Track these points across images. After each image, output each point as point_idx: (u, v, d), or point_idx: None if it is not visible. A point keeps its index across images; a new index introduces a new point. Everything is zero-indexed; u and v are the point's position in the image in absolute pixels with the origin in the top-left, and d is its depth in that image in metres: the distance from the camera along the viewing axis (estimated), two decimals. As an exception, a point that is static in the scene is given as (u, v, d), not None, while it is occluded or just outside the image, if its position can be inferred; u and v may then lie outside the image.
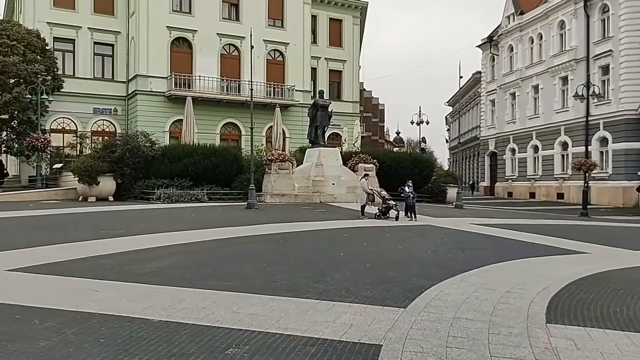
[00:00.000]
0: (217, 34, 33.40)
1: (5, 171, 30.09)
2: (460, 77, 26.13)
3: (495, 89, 41.89)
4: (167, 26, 31.91)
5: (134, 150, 22.81)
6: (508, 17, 40.33)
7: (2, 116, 26.00)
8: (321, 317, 5.32)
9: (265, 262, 8.48)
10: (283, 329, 4.89)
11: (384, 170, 24.70)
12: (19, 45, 25.78)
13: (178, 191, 21.60)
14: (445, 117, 67.80)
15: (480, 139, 45.60)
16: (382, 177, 23.54)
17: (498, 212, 23.64)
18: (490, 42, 42.54)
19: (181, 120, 28.47)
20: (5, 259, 8.07)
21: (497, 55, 41.88)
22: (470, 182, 48.34)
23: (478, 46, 44.66)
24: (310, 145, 25.14)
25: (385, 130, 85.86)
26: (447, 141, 66.45)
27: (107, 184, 22.18)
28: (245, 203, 19.45)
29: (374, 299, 6.18)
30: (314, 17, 38.07)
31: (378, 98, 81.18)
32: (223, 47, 33.89)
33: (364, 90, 60.55)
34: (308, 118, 25.32)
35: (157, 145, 24.03)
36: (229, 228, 12.95)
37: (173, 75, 31.62)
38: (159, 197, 21.07)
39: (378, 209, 16.68)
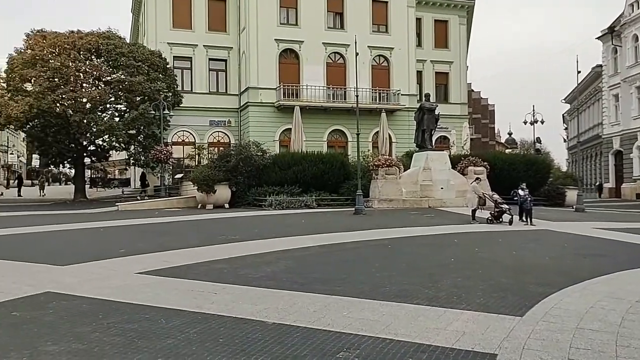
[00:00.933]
0: (323, 43, 34.04)
1: (146, 182, 33.01)
2: (579, 72, 24.58)
3: (619, 83, 38.73)
4: (275, 39, 33.05)
5: (246, 159, 23.84)
6: (632, 4, 37.19)
7: (130, 131, 28.31)
8: (432, 323, 5.23)
9: (373, 268, 8.50)
10: (393, 334, 4.87)
11: (495, 173, 23.75)
12: (144, 65, 27.97)
13: (288, 198, 22.24)
14: (563, 115, 63.74)
15: (603, 137, 42.37)
16: (493, 180, 22.64)
17: (625, 215, 21.79)
18: (612, 32, 39.45)
19: (290, 129, 29.32)
20: (136, 262, 8.78)
21: (620, 46, 38.73)
22: (597, 183, 44.89)
23: (598, 38, 41.59)
24: (417, 149, 24.81)
25: (495, 132, 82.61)
26: (565, 140, 62.47)
27: (223, 192, 23.35)
28: (353, 209, 19.60)
29: (487, 306, 5.97)
30: (418, 20, 37.65)
31: (487, 98, 78.38)
32: (328, 55, 34.46)
33: (472, 91, 58.72)
34: (414, 122, 25.04)
35: (267, 154, 24.95)
36: (337, 233, 13.12)
37: (281, 86, 32.67)
38: (270, 203, 21.83)
39: (490, 213, 16.07)
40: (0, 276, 7.49)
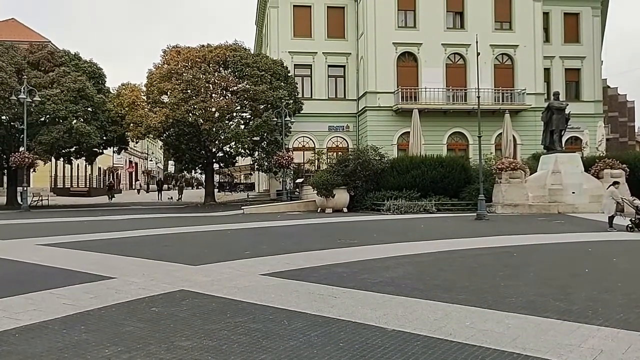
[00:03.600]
0: (442, 44, 33.35)
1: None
2: None
3: None
4: (393, 42, 32.96)
5: (365, 163, 23.96)
6: None
7: (255, 138, 29.68)
8: (564, 339, 4.88)
9: (497, 276, 8.12)
10: (521, 348, 4.61)
11: (636, 176, 21.71)
12: (267, 74, 29.21)
13: (407, 202, 22.00)
14: None
15: None
16: (633, 184, 20.71)
17: None
18: None
19: (408, 132, 29.05)
20: (260, 264, 9.15)
21: None
22: None
23: None
24: (544, 151, 23.41)
25: (636, 131, 75.45)
26: None
27: (342, 196, 23.65)
28: (475, 214, 18.93)
29: (628, 322, 5.45)
30: (545, 15, 35.58)
31: (626, 95, 71.89)
32: (448, 56, 33.70)
33: (608, 87, 54.21)
34: (542, 122, 23.67)
35: (386, 158, 24.88)
36: (458, 239, 12.74)
37: (399, 90, 32.46)
38: (388, 208, 21.73)
39: (630, 220, 14.69)
40: (141, 273, 8.17)
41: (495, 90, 33.04)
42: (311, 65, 34.86)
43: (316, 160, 32.65)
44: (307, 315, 5.73)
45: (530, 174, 22.65)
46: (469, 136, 32.99)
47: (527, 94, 33.31)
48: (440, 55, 33.46)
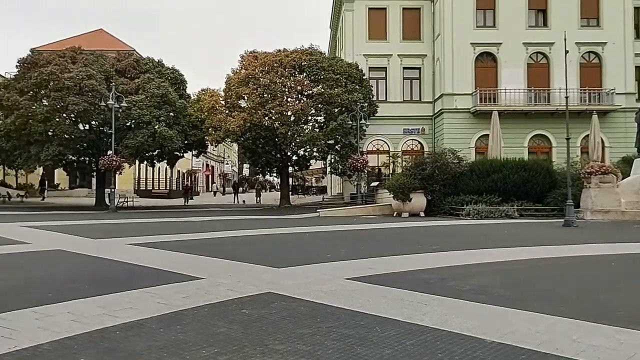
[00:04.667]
0: (523, 43, 32.14)
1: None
2: None
3: None
4: (471, 43, 32.11)
5: (442, 167, 23.42)
6: None
7: (329, 141, 29.76)
8: (688, 360, 4.43)
9: (598, 287, 7.59)
10: (640, 368, 4.22)
11: None
12: (342, 77, 29.24)
13: (487, 207, 21.28)
14: None
15: None
16: None
17: None
18: None
19: (487, 135, 28.18)
20: (343, 268, 9.05)
21: None
22: None
23: None
24: (637, 154, 21.96)
25: None
26: None
27: (419, 200, 23.22)
28: (561, 220, 17.99)
29: None
30: (636, 10, 33.43)
31: None
32: (529, 56, 32.44)
33: None
34: (634, 124, 22.24)
35: (464, 162, 24.20)
36: (547, 247, 12.11)
37: (478, 91, 31.55)
38: (468, 213, 21.11)
39: None
40: (227, 275, 8.27)
41: (581, 90, 31.40)
42: (386, 67, 34.59)
43: (391, 164, 32.33)
44: (399, 322, 5.55)
45: (622, 179, 21.29)
46: (552, 138, 31.55)
47: (617, 93, 31.44)
48: (521, 54, 32.24)
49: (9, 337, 4.90)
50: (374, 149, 34.53)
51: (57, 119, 28.09)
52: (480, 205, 21.47)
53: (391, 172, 31.82)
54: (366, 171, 30.61)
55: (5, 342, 4.73)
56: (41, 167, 39.83)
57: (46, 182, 42.27)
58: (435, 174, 23.39)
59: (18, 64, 29.90)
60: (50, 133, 28.21)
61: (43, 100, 28.06)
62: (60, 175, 48.61)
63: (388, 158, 33.42)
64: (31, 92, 28.16)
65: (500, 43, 32.18)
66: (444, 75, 32.33)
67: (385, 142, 34.52)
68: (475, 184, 22.78)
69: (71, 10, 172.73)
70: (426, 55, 34.53)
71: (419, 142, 34.78)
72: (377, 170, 33.56)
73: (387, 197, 24.96)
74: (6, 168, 38.68)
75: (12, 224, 17.93)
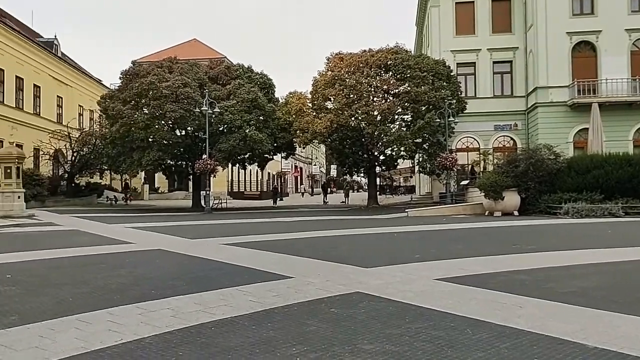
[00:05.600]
0: (626, 29, 30.07)
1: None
2: None
3: None
4: (566, 32, 30.43)
5: (537, 164, 22.36)
6: None
7: (417, 140, 29.32)
8: None
9: None
10: None
11: None
12: (428, 75, 28.72)
13: (587, 205, 20.08)
14: None
15: None
16: None
17: None
18: None
19: (586, 129, 26.64)
20: (432, 268, 8.89)
21: None
22: None
23: None
24: None
25: None
26: None
27: (512, 199, 22.32)
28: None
29: None
30: None
31: None
32: (633, 43, 30.27)
33: None
34: None
35: (561, 158, 22.98)
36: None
37: (575, 83, 29.83)
38: (566, 211, 20.03)
39: None
40: (316, 274, 8.39)
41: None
42: (475, 62, 33.56)
43: (482, 161, 31.33)
44: (491, 325, 5.36)
45: None
46: (661, 131, 29.21)
47: None
48: (624, 42, 30.10)
49: (116, 330, 5.26)
50: (464, 146, 33.58)
51: (157, 126, 29.76)
52: (580, 203, 20.27)
53: (482, 170, 30.80)
54: (455, 169, 29.86)
55: (111, 336, 5.08)
56: (142, 172, 42.41)
57: (130, 187, 44.71)
58: (530, 171, 22.36)
59: (121, 76, 32.03)
60: (150, 139, 29.94)
61: (144, 109, 29.82)
62: (160, 179, 51.53)
63: (478, 156, 32.38)
64: (133, 102, 30.01)
65: (600, 31, 30.18)
66: (538, 68, 30.83)
67: (475, 140, 33.47)
68: (574, 180, 21.53)
69: (169, 22, 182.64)
70: (518, 47, 33.10)
71: (512, 139, 33.40)
72: (467, 168, 32.63)
73: (477, 195, 24.20)
74: (112, 173, 41.50)
75: (118, 225, 19.24)
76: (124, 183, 44.86)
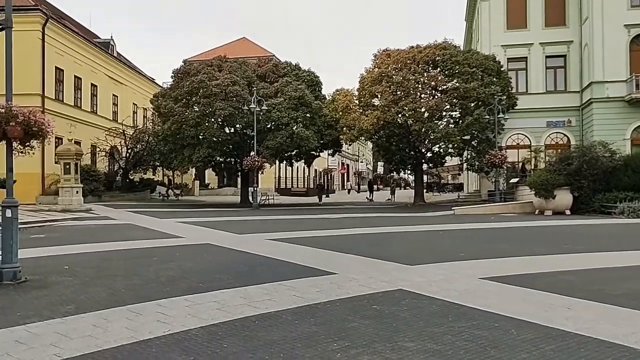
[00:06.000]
0: (686, 21, 28.53)
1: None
2: None
3: None
4: (624, 25, 29.16)
5: (591, 161, 21.64)
6: None
7: (465, 137, 28.81)
8: None
9: None
10: None
11: None
12: (478, 71, 28.15)
13: (645, 205, 19.28)
14: None
15: None
16: None
17: None
18: None
19: (645, 125, 25.45)
20: (477, 267, 8.78)
21: None
22: None
23: None
24: None
25: None
26: None
27: (564, 198, 21.68)
28: None
29: None
30: None
31: None
32: (695, 35, 28.70)
33: None
34: None
35: (617, 155, 22.14)
36: None
37: (634, 77, 28.57)
38: (621, 211, 19.33)
39: None
40: (360, 270, 8.43)
41: None
42: (526, 57, 32.65)
43: (533, 159, 30.46)
44: (536, 325, 5.28)
45: None
46: None
47: None
48: (686, 34, 28.62)
49: (164, 322, 5.47)
50: (514, 143, 32.72)
51: (207, 124, 30.37)
52: (636, 202, 19.49)
53: (533, 167, 29.96)
54: (505, 167, 29.14)
55: (160, 326, 5.29)
56: (193, 168, 43.35)
57: (172, 183, 45.66)
58: (583, 169, 21.64)
59: (173, 74, 32.86)
60: (200, 136, 30.59)
61: (194, 107, 30.49)
62: (210, 176, 52.58)
63: (529, 153, 31.49)
64: (184, 100, 30.73)
65: (660, 23, 28.84)
66: (593, 62, 29.69)
67: (526, 136, 32.56)
68: (631, 179, 20.73)
69: (220, 20, 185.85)
70: (572, 41, 31.97)
71: (565, 135, 32.33)
72: (517, 166, 31.81)
73: (528, 194, 23.60)
74: (164, 169, 42.67)
75: (170, 220, 19.80)
76: (167, 179, 46.02)
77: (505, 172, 30.04)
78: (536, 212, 22.37)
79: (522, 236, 14.48)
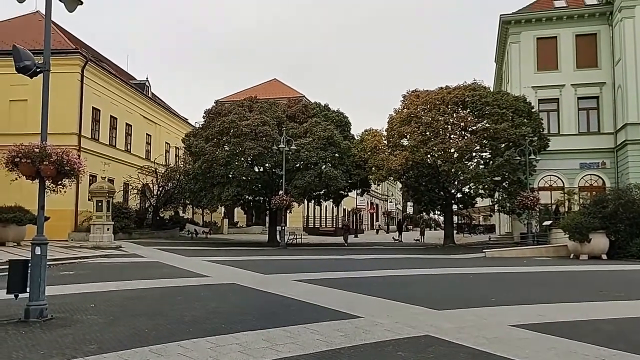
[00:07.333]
0: None
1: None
2: None
3: None
4: (658, 66, 28.80)
5: (627, 204, 21.05)
6: None
7: (495, 178, 28.45)
8: None
9: None
10: None
11: None
12: (508, 112, 28.00)
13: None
14: None
15: None
16: None
17: None
18: None
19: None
20: (509, 314, 8.48)
21: None
22: None
23: None
24: None
25: None
26: None
27: (599, 241, 21.02)
28: None
29: None
30: None
31: None
32: None
33: None
34: None
35: (656, 198, 21.50)
36: None
37: (670, 118, 28.03)
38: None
39: None
40: (385, 314, 8.24)
41: None
42: (558, 98, 32.39)
43: (566, 201, 29.80)
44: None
45: None
46: None
47: None
48: None
49: (185, 363, 5.40)
50: (546, 185, 32.15)
51: (236, 163, 30.79)
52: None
53: (566, 210, 29.27)
54: (538, 209, 28.55)
55: (181, 368, 5.22)
56: (222, 206, 43.69)
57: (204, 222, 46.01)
58: (619, 212, 21.02)
59: (204, 114, 33.62)
60: (230, 175, 30.99)
61: (225, 146, 31.01)
62: (239, 214, 52.93)
63: (562, 195, 30.86)
64: (215, 139, 31.29)
65: (695, 64, 28.38)
66: (627, 103, 29.24)
67: (559, 178, 31.98)
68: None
69: (253, 64, 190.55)
70: (605, 82, 31.64)
71: (599, 177, 31.63)
72: (550, 208, 31.15)
73: (562, 237, 22.97)
74: (194, 207, 43.17)
75: (197, 259, 19.87)
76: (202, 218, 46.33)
77: (538, 214, 29.42)
78: (571, 256, 21.72)
79: (555, 281, 14.02)
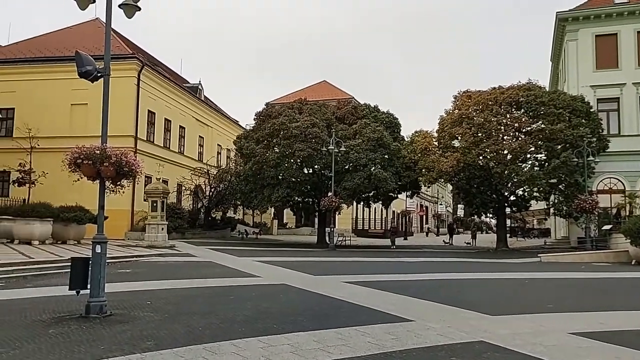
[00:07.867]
0: None
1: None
2: None
3: None
4: None
5: (694, 208, 19.94)
6: None
7: (551, 180, 27.55)
8: None
9: None
10: None
11: None
12: (565, 112, 27.07)
13: None
14: None
15: None
16: None
17: None
18: None
19: None
20: (567, 321, 8.19)
21: None
22: None
23: None
24: None
25: None
26: None
27: (664, 247, 20.02)
28: None
29: None
30: None
31: None
32: None
33: None
34: None
35: None
36: None
37: None
38: None
39: None
40: (438, 319, 8.11)
41: None
42: (618, 98, 31.09)
43: (627, 205, 28.54)
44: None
45: None
46: None
47: None
48: None
49: (239, 362, 5.47)
50: (606, 187, 30.89)
51: (286, 164, 31.06)
52: None
53: (628, 214, 28.02)
54: (596, 213, 27.44)
55: (235, 366, 5.29)
56: (272, 207, 44.14)
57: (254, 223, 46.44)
58: (686, 217, 19.99)
59: (255, 117, 34.10)
60: (280, 177, 31.29)
61: (275, 148, 31.35)
62: (288, 215, 53.34)
63: (623, 198, 29.57)
64: (265, 141, 31.68)
65: None
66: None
67: (620, 180, 30.66)
68: None
69: (304, 66, 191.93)
70: (669, 80, 30.23)
71: (666, 180, 30.18)
72: (610, 211, 29.91)
73: (622, 242, 22.00)
74: (244, 208, 43.82)
75: (248, 259, 20.15)
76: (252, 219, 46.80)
77: (596, 218, 28.30)
78: (632, 262, 20.77)
79: (617, 288, 13.45)
